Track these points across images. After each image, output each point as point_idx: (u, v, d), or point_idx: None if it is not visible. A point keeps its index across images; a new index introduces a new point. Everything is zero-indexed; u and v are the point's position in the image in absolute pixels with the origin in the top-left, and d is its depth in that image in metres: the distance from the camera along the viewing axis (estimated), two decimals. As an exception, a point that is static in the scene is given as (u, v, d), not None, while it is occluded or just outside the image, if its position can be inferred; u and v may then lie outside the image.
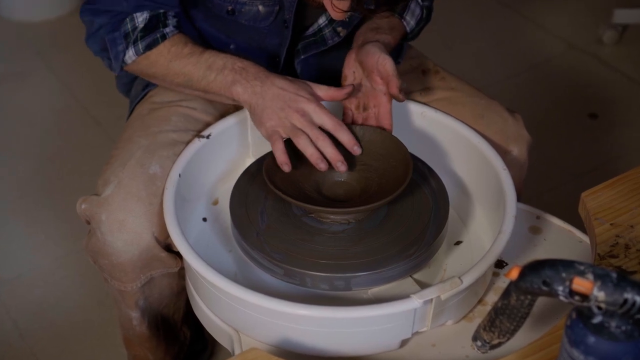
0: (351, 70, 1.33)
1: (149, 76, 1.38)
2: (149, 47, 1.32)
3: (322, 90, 1.29)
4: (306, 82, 1.29)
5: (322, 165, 1.23)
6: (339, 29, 1.40)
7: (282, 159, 1.23)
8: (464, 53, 2.61)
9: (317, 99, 1.27)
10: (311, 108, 1.24)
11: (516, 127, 1.42)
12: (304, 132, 1.24)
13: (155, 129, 1.36)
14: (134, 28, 1.32)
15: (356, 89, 1.33)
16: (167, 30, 1.33)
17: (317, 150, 1.23)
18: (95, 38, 1.36)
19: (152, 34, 1.32)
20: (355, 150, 1.25)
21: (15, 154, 2.26)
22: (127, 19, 1.32)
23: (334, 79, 1.36)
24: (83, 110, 2.40)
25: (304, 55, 1.41)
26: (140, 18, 1.32)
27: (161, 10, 1.33)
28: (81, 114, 2.39)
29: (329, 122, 1.25)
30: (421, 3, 1.44)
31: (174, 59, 1.32)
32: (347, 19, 1.38)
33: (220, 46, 1.39)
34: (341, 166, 1.24)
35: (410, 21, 1.42)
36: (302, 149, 1.24)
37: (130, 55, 1.33)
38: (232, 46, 1.42)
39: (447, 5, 2.70)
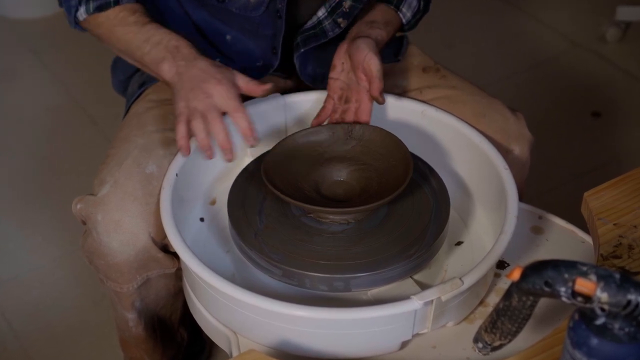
0: (340, 61, 1.33)
1: (96, 36, 1.37)
2: (99, 9, 1.31)
3: (242, 81, 1.27)
4: (232, 70, 1.27)
5: (206, 154, 1.22)
6: (340, 20, 1.39)
7: (180, 143, 1.23)
8: (465, 51, 2.60)
9: (231, 85, 1.24)
10: (217, 90, 1.22)
11: (518, 125, 1.41)
12: (203, 115, 1.22)
13: (152, 128, 1.35)
14: None
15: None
16: None
17: (206, 137, 1.22)
18: None
19: None
20: (250, 140, 1.23)
21: (10, 154, 2.25)
22: None
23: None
24: (79, 109, 2.39)
25: (303, 49, 1.40)
26: None
27: None
28: (77, 112, 2.38)
29: (229, 106, 1.22)
30: None
31: (118, 25, 1.31)
32: (347, 10, 1.37)
33: (216, 37, 1.38)
34: (226, 154, 1.22)
35: (406, 13, 1.41)
36: (193, 132, 1.22)
37: (81, 12, 1.33)
38: (228, 37, 1.41)
39: (447, 2, 2.69)
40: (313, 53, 1.42)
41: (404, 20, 1.41)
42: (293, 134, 1.31)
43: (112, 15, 1.31)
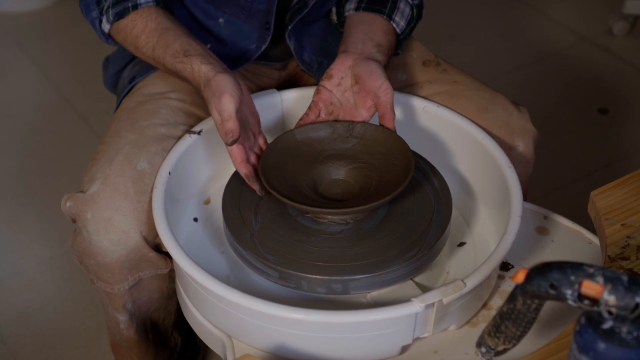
0: (340, 75, 1.29)
1: (125, 46, 1.36)
2: (119, 16, 1.31)
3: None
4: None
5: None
6: None
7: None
8: (468, 45, 2.59)
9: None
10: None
11: (521, 120, 1.40)
12: None
13: (144, 123, 1.34)
14: None
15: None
16: (141, 0, 1.31)
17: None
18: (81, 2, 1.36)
19: (123, 2, 1.30)
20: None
21: (-3, 151, 2.24)
22: None
23: (326, 57, 1.34)
24: (68, 105, 2.38)
25: (290, 26, 1.38)
26: None
27: None
28: (66, 108, 2.36)
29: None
30: (411, 2, 1.40)
31: (141, 34, 1.30)
32: None
33: (210, 20, 1.37)
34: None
35: (400, 22, 1.39)
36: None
37: (104, 23, 1.33)
38: (220, 20, 1.40)
39: (451, -4, 2.69)
40: (309, 40, 1.41)
41: (398, 30, 1.39)
42: (292, 130, 1.29)
43: (132, 22, 1.30)
